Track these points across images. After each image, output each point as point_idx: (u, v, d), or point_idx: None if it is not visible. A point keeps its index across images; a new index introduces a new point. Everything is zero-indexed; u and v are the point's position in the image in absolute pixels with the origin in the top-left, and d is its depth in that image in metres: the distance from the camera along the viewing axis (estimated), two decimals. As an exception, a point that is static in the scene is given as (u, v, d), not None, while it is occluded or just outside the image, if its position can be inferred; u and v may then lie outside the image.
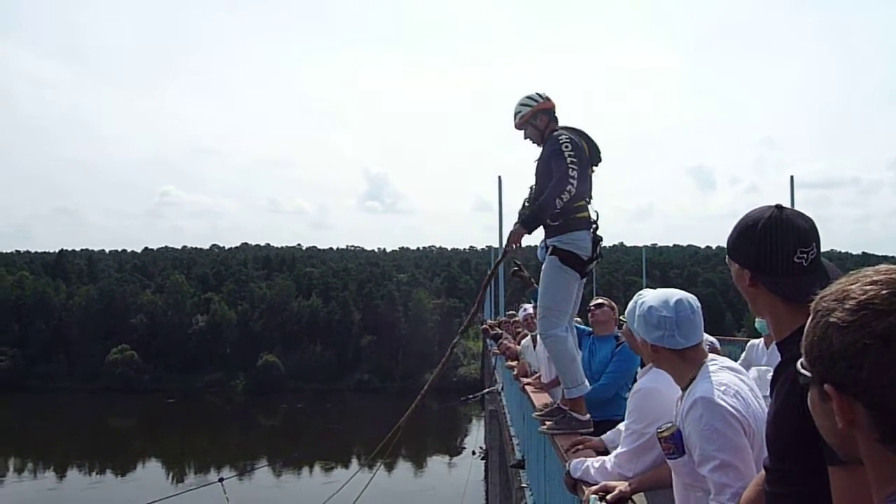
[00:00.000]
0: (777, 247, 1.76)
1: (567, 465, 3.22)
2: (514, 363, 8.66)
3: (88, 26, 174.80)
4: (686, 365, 2.43)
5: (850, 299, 0.98)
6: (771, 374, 1.74)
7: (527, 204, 4.50)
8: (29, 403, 59.73)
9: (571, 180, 4.14)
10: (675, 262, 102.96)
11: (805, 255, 1.77)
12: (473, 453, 25.61)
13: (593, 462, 3.06)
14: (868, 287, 0.99)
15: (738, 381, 2.31)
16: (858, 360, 0.94)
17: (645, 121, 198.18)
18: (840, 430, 0.99)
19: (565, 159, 4.17)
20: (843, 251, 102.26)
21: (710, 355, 2.47)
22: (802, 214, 1.83)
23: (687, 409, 2.29)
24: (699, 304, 2.55)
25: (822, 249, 1.83)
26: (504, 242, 4.67)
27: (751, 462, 2.17)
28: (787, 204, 1.88)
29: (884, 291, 0.97)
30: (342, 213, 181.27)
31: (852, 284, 1.01)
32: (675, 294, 2.52)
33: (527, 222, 4.31)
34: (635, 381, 5.29)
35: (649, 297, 2.56)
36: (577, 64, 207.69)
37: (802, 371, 1.05)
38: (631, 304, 2.84)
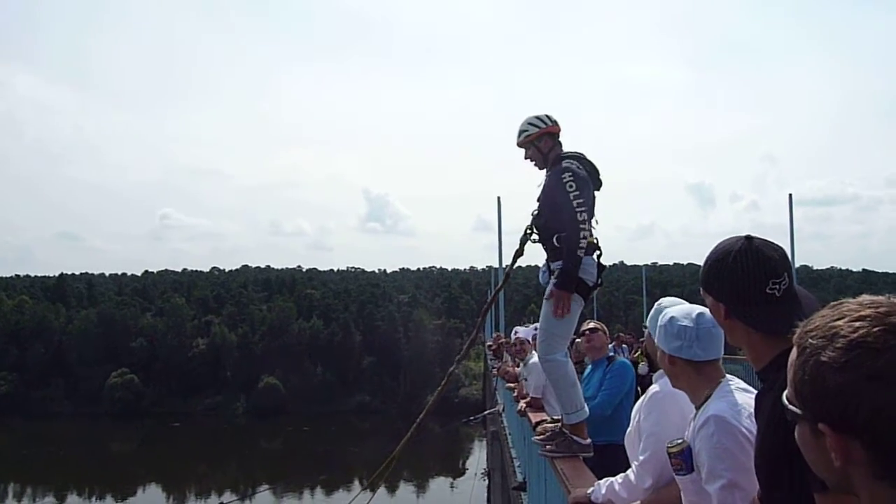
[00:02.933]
0: (749, 279, 1.76)
1: (590, 492, 3.15)
2: (514, 385, 8.65)
3: (92, 50, 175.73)
4: (702, 381, 2.41)
5: (841, 337, 0.96)
6: None
7: (529, 232, 4.49)
8: (28, 428, 59.50)
9: (582, 225, 4.13)
10: (676, 280, 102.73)
11: (777, 286, 1.76)
12: (475, 475, 25.44)
13: (616, 479, 3.01)
14: (857, 324, 0.96)
15: (750, 402, 2.30)
16: (856, 400, 0.92)
17: (645, 138, 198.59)
18: (836, 468, 0.97)
19: (571, 202, 4.15)
20: (843, 268, 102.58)
21: (728, 375, 2.44)
22: (772, 244, 1.82)
23: (699, 426, 2.28)
24: None
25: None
26: (505, 264, 4.67)
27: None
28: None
29: (875, 329, 0.95)
30: (342, 234, 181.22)
31: (838, 320, 0.99)
32: (697, 308, 2.50)
33: (563, 286, 4.22)
34: (635, 396, 5.33)
35: (672, 308, 2.56)
36: (576, 81, 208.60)
37: (790, 407, 1.03)
38: (653, 311, 2.84)
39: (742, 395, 2.30)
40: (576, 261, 4.16)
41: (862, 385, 0.92)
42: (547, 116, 4.51)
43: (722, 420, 2.21)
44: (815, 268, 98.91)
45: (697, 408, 2.39)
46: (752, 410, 2.23)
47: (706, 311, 2.44)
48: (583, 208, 4.15)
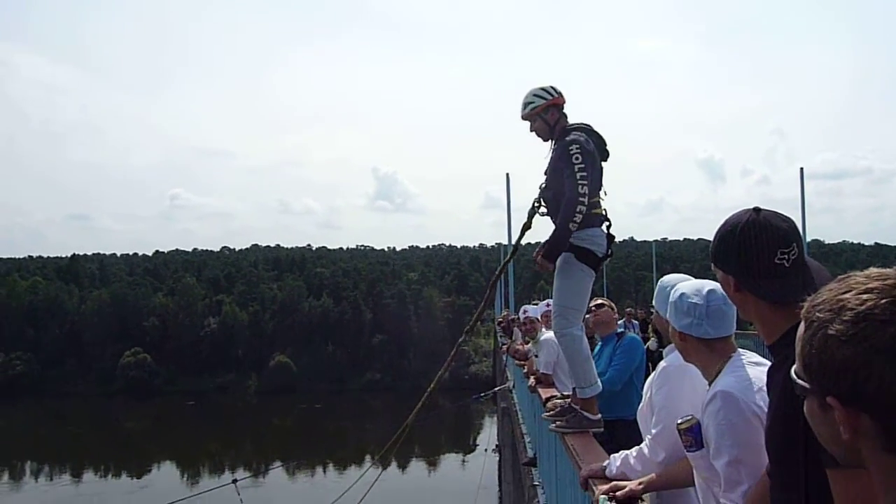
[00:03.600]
0: (757, 250, 1.75)
1: (604, 466, 3.14)
2: (524, 362, 8.66)
3: (99, 30, 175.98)
4: (714, 357, 2.39)
5: (848, 310, 0.96)
6: None
7: (537, 205, 4.45)
8: (44, 407, 60.25)
9: (581, 198, 4.09)
10: (686, 256, 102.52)
11: (786, 256, 1.74)
12: (486, 451, 25.59)
13: (630, 453, 3.00)
14: (865, 297, 0.96)
15: (762, 377, 2.28)
16: (864, 372, 0.93)
17: (654, 113, 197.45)
18: (845, 440, 0.98)
19: (575, 174, 4.12)
20: (855, 242, 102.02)
21: (741, 350, 2.42)
22: (781, 215, 1.81)
23: (707, 401, 2.27)
24: None
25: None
26: (514, 239, 4.63)
27: (765, 461, 2.13)
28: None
29: (883, 301, 0.95)
30: (352, 213, 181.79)
31: (846, 293, 0.99)
32: (708, 284, 2.46)
33: (549, 254, 4.22)
34: (646, 373, 5.33)
35: (682, 284, 2.54)
36: (585, 56, 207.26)
37: (799, 381, 1.04)
38: (658, 288, 2.82)
39: (754, 369, 2.27)
40: (567, 233, 4.14)
41: (869, 357, 0.92)
42: (552, 87, 4.46)
43: (729, 396, 2.19)
44: (826, 242, 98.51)
45: (710, 383, 2.37)
46: (764, 385, 2.21)
47: (717, 287, 2.41)
48: (585, 182, 4.11)
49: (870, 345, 0.93)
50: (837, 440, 1.00)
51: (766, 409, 2.15)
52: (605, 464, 3.13)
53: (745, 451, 2.14)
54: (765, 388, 2.20)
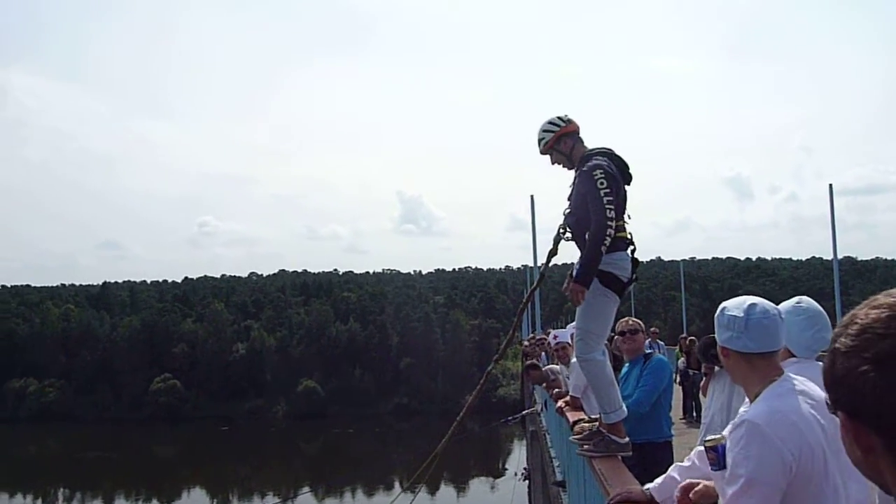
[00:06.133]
0: None
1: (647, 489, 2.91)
2: (546, 385, 8.62)
3: (129, 59, 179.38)
4: (754, 376, 2.34)
5: (854, 324, 0.97)
6: None
7: (562, 231, 4.44)
8: (77, 433, 60.92)
9: (609, 222, 4.07)
10: (715, 275, 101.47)
11: None
12: (515, 475, 25.34)
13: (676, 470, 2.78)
14: (872, 311, 0.96)
15: (800, 407, 2.21)
16: (859, 384, 0.92)
17: (676, 130, 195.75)
18: (859, 458, 0.96)
19: (602, 199, 4.10)
20: (889, 258, 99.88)
21: (792, 375, 2.35)
22: None
23: (735, 425, 2.26)
24: (782, 313, 2.46)
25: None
26: (539, 262, 4.61)
27: (776, 499, 2.12)
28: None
29: (884, 314, 0.95)
30: (377, 237, 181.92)
31: (861, 309, 0.99)
32: (753, 299, 2.44)
33: (580, 280, 4.18)
34: (666, 392, 5.28)
35: (730, 300, 2.50)
36: (605, 73, 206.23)
37: (827, 402, 1.03)
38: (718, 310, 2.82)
39: (793, 399, 2.22)
40: (597, 255, 4.10)
41: (865, 369, 0.91)
42: (559, 118, 4.47)
43: (755, 427, 2.17)
44: (859, 259, 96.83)
45: (751, 404, 2.35)
46: (796, 418, 2.17)
47: (760, 301, 2.42)
48: (611, 205, 4.10)
49: (866, 356, 0.92)
50: (858, 458, 0.98)
51: (793, 444, 2.13)
52: (648, 486, 2.91)
53: (755, 486, 2.12)
54: (797, 421, 2.16)
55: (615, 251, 4.21)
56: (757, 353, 2.34)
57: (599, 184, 4.13)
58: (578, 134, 4.48)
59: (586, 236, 4.22)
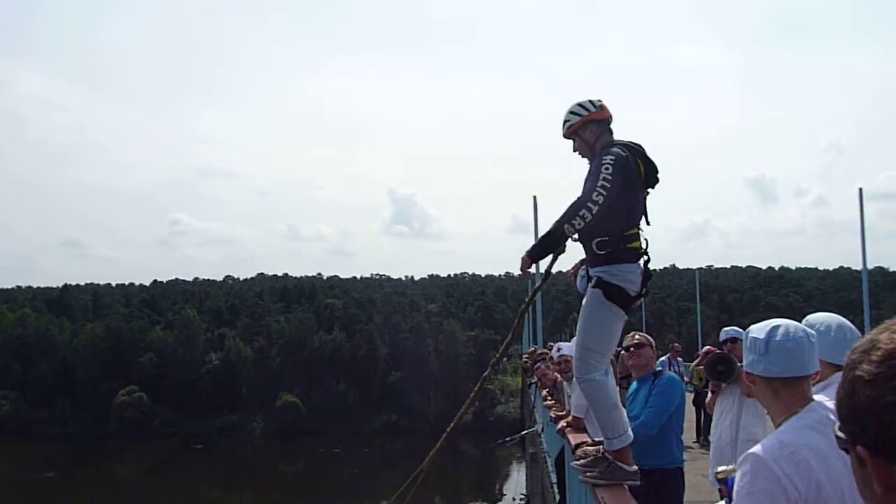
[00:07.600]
0: None
1: None
2: (553, 403, 8.62)
3: (99, 46, 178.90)
4: (778, 405, 2.37)
5: (877, 350, 0.94)
6: None
7: None
8: (32, 451, 60.59)
9: (591, 205, 3.90)
10: (734, 285, 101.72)
11: None
12: (513, 500, 25.38)
13: None
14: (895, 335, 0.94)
15: (816, 441, 2.20)
16: (886, 416, 0.88)
17: (697, 126, 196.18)
18: (877, 497, 0.93)
19: (597, 180, 3.96)
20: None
21: (817, 402, 2.34)
22: None
23: (742, 459, 2.30)
24: (813, 336, 2.44)
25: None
26: (543, 267, 4.48)
27: None
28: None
29: None
30: (366, 238, 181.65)
31: (882, 333, 0.96)
32: (779, 321, 2.45)
33: (531, 252, 4.11)
34: (676, 413, 5.27)
35: (758, 324, 2.53)
36: (617, 68, 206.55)
37: (838, 433, 1.01)
38: None
39: (810, 433, 2.23)
40: (559, 232, 3.97)
41: (892, 400, 0.88)
42: (591, 101, 4.31)
43: (760, 461, 2.20)
44: (890, 269, 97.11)
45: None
46: (806, 455, 2.19)
47: (787, 323, 2.44)
48: (604, 192, 3.93)
49: (892, 385, 0.89)
50: (875, 498, 0.95)
51: (801, 480, 2.15)
52: None
53: None
54: (812, 457, 2.17)
55: (624, 262, 4.12)
56: (779, 378, 2.37)
57: (605, 168, 3.98)
58: (609, 124, 4.33)
59: (594, 244, 4.13)
